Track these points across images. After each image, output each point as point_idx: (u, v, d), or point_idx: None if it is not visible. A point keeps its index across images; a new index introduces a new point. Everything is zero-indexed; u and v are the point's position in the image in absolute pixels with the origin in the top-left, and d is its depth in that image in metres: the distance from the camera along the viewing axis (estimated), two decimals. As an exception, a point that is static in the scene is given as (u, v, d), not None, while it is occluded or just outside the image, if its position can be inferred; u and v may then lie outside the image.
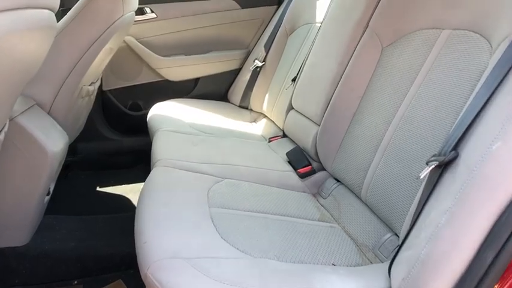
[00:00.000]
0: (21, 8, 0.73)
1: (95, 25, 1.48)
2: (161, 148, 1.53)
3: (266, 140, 1.95)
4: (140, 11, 2.28)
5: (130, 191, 2.19)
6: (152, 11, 2.33)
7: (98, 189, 2.21)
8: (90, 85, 1.75)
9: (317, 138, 1.48)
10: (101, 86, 2.31)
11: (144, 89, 2.45)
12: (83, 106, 1.82)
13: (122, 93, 2.41)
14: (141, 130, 2.24)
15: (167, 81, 2.46)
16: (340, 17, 1.56)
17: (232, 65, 2.57)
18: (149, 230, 0.95)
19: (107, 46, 1.56)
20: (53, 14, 0.93)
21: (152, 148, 1.58)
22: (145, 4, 2.29)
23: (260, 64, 2.27)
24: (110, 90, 2.38)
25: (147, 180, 1.24)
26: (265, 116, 2.20)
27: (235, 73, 2.57)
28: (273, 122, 2.08)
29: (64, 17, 1.46)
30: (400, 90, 1.18)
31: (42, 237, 1.54)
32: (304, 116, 1.64)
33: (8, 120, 1.08)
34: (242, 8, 2.49)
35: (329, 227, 1.20)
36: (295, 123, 1.74)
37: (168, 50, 2.43)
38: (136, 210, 1.08)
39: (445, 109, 1.00)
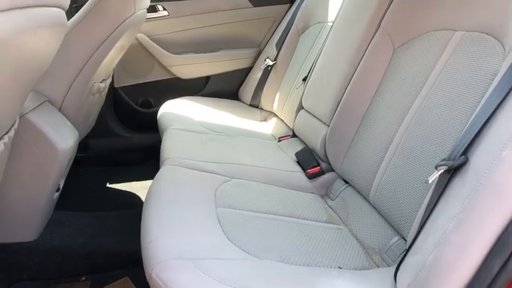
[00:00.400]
0: (31, 6, 0.73)
1: (106, 22, 1.49)
2: (170, 146, 1.53)
3: (276, 139, 1.94)
4: (152, 9, 2.29)
5: (140, 188, 2.20)
6: (164, 9, 2.34)
7: (108, 185, 2.22)
8: (101, 82, 1.76)
9: (326, 139, 1.47)
10: (112, 83, 2.32)
11: (155, 87, 2.46)
12: (94, 103, 1.83)
13: (133, 90, 2.43)
14: (152, 127, 2.24)
15: (178, 78, 2.46)
16: (352, 17, 1.55)
17: (243, 64, 2.56)
18: (155, 230, 0.95)
19: (119, 43, 1.57)
20: (63, 12, 0.93)
21: (161, 146, 1.58)
22: (157, 2, 2.30)
23: (271, 63, 2.26)
24: (121, 87, 2.40)
25: (154, 179, 1.24)
26: (276, 115, 2.19)
27: (246, 72, 2.57)
28: (283, 121, 2.07)
29: (76, 14, 1.47)
30: (411, 91, 1.17)
31: (52, 233, 1.55)
32: (314, 116, 1.63)
33: (18, 117, 1.08)
34: (254, 7, 2.48)
35: (336, 229, 1.20)
36: (304, 123, 1.73)
37: (180, 48, 2.44)
38: (143, 210, 1.08)
39: (456, 112, 0.99)
